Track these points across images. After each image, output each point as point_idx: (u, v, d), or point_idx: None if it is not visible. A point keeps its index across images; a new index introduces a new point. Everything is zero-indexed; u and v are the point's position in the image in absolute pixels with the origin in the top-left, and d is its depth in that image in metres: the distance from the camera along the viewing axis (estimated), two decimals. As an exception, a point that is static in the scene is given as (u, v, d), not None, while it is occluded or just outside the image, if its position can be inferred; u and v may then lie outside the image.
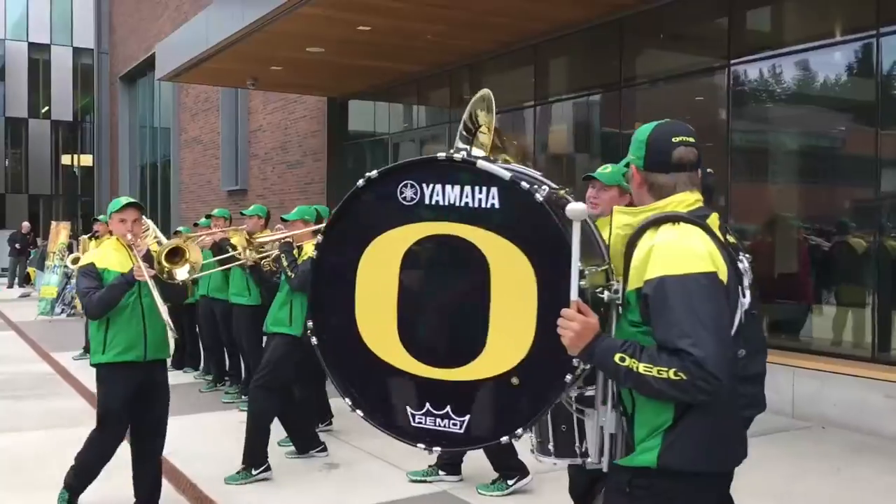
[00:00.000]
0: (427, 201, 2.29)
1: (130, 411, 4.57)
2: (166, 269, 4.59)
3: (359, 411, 2.41)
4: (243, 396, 7.71)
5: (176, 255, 4.67)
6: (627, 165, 2.38)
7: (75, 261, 10.34)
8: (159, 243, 4.95)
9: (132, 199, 4.63)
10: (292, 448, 5.82)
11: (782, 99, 8.00)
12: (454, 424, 2.31)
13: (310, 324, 2.43)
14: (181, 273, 4.63)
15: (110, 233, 10.64)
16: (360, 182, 2.38)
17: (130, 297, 4.45)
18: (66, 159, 38.95)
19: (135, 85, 27.76)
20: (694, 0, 8.51)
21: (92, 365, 4.62)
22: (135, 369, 4.51)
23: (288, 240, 5.75)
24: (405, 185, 2.32)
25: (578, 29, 9.65)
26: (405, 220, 2.32)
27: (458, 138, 2.89)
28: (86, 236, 10.87)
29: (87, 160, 36.62)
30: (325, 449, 5.82)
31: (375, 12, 9.16)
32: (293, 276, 5.51)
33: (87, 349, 10.20)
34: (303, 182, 16.21)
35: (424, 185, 2.29)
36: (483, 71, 11.62)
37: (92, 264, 4.52)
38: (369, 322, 2.38)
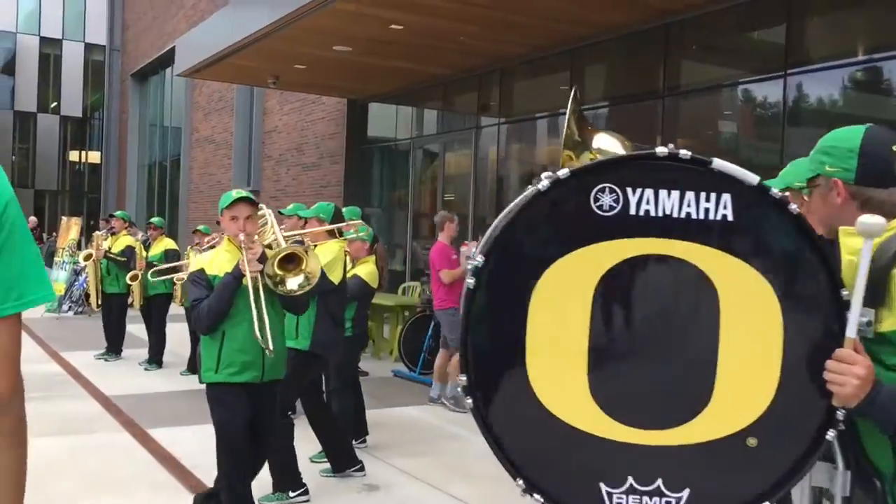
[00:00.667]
0: (632, 211, 1.76)
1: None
2: (278, 276, 3.95)
3: (537, 496, 1.81)
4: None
5: (291, 261, 3.99)
6: (813, 178, 1.99)
7: (87, 257, 9.99)
8: (277, 243, 4.22)
9: (244, 193, 3.99)
10: (327, 465, 5.44)
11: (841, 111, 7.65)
12: (667, 503, 1.81)
13: (462, 379, 1.82)
14: (292, 283, 3.95)
15: (127, 228, 10.54)
16: (544, 183, 1.77)
17: (247, 312, 3.89)
18: (73, 155, 38.70)
19: (146, 83, 27.46)
20: (743, 7, 8.17)
21: (202, 383, 4.12)
22: (249, 390, 4.02)
23: (298, 240, 5.27)
24: (602, 190, 1.77)
25: (618, 35, 9.33)
26: (600, 236, 1.77)
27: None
28: (100, 232, 10.52)
29: (94, 157, 36.35)
30: (362, 468, 5.43)
31: (410, 9, 8.83)
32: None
33: (110, 348, 9.84)
34: (318, 185, 15.87)
35: (630, 190, 1.76)
36: (515, 75, 11.31)
37: (201, 270, 3.99)
38: (547, 373, 1.79)
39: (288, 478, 4.89)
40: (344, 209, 6.53)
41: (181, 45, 14.60)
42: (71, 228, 15.58)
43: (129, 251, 9.69)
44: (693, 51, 9.06)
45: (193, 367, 9.08)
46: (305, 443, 5.37)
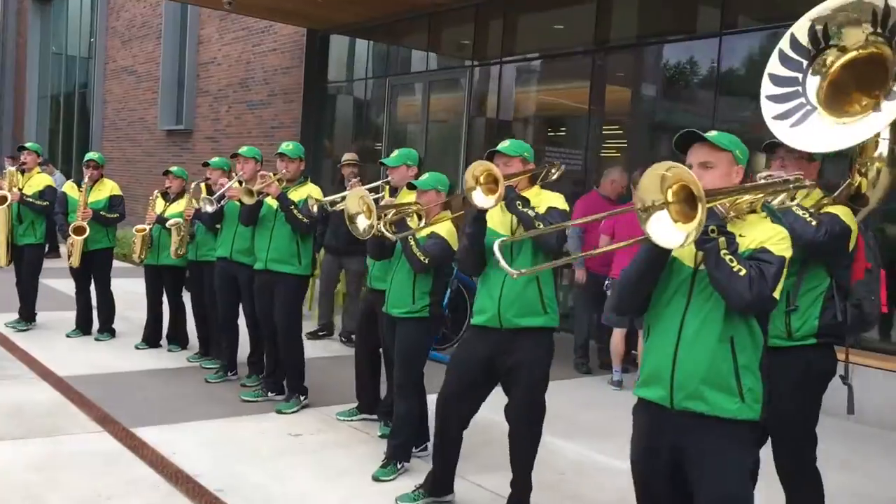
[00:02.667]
0: None
1: None
2: None
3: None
4: (270, 393, 5.93)
5: None
6: None
7: (1, 201, 7.97)
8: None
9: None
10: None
11: None
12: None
13: None
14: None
15: (41, 164, 8.50)
16: None
17: None
18: (-42, 85, 34.79)
19: (48, 6, 24.50)
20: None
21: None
22: None
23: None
24: None
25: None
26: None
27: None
28: (10, 168, 8.46)
29: (-16, 87, 32.68)
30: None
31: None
32: (422, 255, 4.39)
33: (23, 314, 8.07)
34: (268, 125, 14.13)
35: None
36: (521, 6, 9.91)
37: None
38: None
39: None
40: (396, 151, 5.15)
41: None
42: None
43: (49, 192, 7.88)
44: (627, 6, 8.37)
45: (153, 339, 7.52)
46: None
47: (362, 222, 4.39)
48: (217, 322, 6.55)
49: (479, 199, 3.61)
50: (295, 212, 5.42)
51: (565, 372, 7.12)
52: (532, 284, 3.80)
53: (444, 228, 4.56)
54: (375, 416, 5.41)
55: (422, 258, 4.36)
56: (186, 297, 7.23)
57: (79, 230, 7.50)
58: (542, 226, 3.59)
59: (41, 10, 24.81)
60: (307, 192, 5.60)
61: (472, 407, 3.97)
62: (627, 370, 6.99)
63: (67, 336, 7.76)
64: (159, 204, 7.44)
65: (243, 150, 6.04)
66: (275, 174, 5.59)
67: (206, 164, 6.74)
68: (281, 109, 13.83)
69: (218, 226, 6.27)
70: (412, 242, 4.38)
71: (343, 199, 5.06)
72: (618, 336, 6.85)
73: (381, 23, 11.81)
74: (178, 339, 7.55)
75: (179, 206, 7.33)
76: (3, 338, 7.47)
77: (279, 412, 5.59)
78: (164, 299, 7.47)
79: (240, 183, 5.77)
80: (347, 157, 8.31)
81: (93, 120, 20.84)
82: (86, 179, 7.66)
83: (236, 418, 5.50)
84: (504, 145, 4.00)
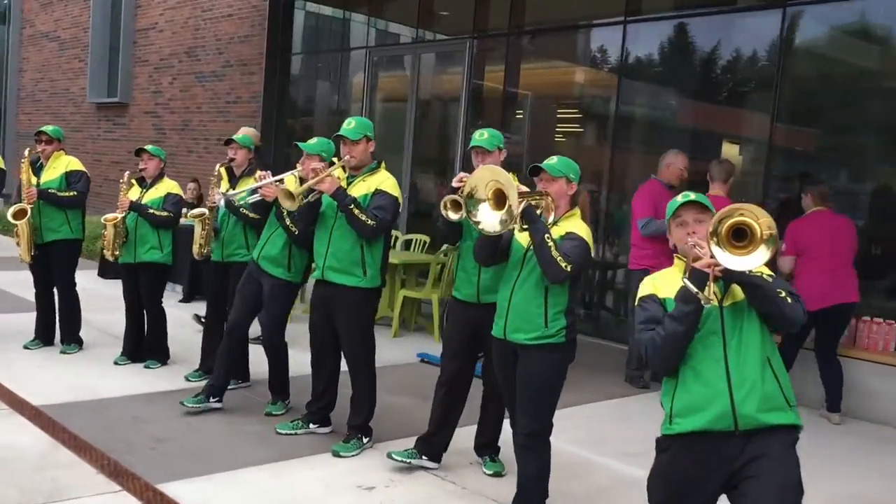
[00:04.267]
0: None
1: None
2: None
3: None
4: (312, 425, 4.86)
5: None
6: None
7: None
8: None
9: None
10: None
11: None
12: None
13: None
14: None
15: None
16: None
17: None
18: None
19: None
20: None
21: None
22: None
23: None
24: None
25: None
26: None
27: None
28: None
29: None
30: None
31: None
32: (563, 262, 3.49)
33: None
34: (223, 100, 12.76)
35: None
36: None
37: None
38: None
39: None
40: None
41: None
42: None
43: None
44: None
45: (135, 352, 6.30)
46: None
47: (489, 216, 3.37)
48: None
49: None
50: (356, 212, 4.33)
51: (615, 388, 6.29)
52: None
53: (581, 228, 3.60)
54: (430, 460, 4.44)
55: (564, 265, 3.38)
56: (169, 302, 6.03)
57: (19, 214, 6.16)
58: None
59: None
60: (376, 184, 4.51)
61: None
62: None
63: (25, 348, 6.44)
64: (134, 189, 6.19)
65: (310, 143, 4.84)
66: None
67: (229, 142, 5.54)
68: (239, 83, 12.48)
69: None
70: (551, 244, 3.40)
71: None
72: None
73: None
74: (158, 352, 6.34)
75: (158, 191, 6.11)
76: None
77: (336, 455, 4.51)
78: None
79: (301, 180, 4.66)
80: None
81: (6, 90, 18.81)
82: (23, 157, 6.28)
83: (284, 462, 4.41)
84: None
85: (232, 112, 12.51)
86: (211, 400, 5.11)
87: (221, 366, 5.16)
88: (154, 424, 4.87)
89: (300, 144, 4.73)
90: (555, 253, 3.37)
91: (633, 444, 4.83)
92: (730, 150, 7.75)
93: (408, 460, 4.31)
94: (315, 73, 12.40)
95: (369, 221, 4.28)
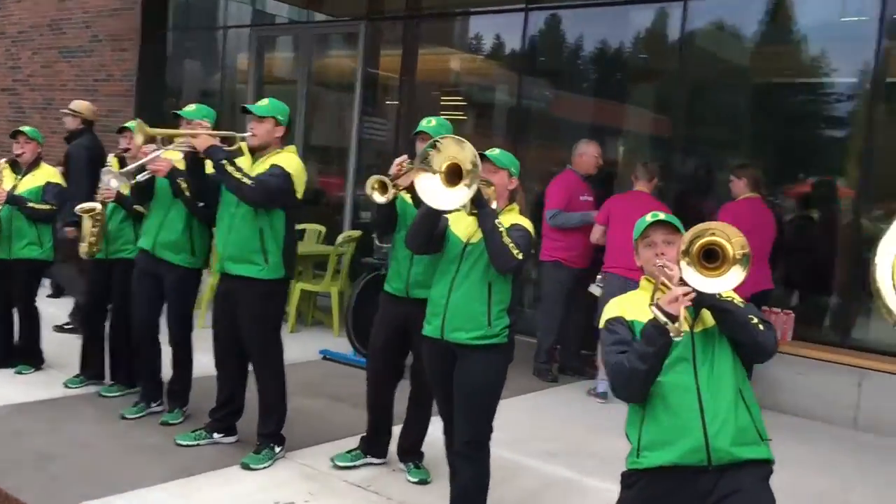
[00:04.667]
0: None
1: None
2: None
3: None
4: (216, 435, 4.48)
5: None
6: None
7: None
8: None
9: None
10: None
11: None
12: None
13: None
14: None
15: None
16: None
17: None
18: None
19: None
20: None
21: None
22: None
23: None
24: None
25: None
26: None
27: None
28: None
29: None
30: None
31: None
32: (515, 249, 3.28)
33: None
34: (91, 77, 11.85)
35: None
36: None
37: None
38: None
39: None
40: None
41: None
42: None
43: None
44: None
45: (2, 357, 5.67)
46: None
47: (437, 189, 3.18)
48: (131, 334, 4.89)
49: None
50: (230, 169, 4.00)
51: (524, 382, 6.18)
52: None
53: (524, 221, 3.41)
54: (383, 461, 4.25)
55: (516, 253, 3.18)
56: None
57: None
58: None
59: None
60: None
61: None
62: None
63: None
64: (7, 177, 5.56)
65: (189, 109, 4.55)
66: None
67: (122, 130, 5.01)
68: (109, 59, 11.61)
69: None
70: (502, 230, 3.20)
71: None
72: None
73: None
74: (31, 356, 5.73)
75: (35, 179, 5.52)
76: None
77: (247, 467, 4.16)
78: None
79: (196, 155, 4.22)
80: None
81: None
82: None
83: (190, 479, 4.01)
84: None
85: (101, 91, 11.62)
86: (152, 405, 4.88)
87: (148, 373, 4.90)
88: (37, 439, 4.35)
89: (180, 112, 4.56)
90: (506, 239, 3.17)
91: (552, 443, 4.77)
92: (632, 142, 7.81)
93: (354, 463, 4.26)
94: (195, 52, 11.70)
95: (245, 180, 3.92)
